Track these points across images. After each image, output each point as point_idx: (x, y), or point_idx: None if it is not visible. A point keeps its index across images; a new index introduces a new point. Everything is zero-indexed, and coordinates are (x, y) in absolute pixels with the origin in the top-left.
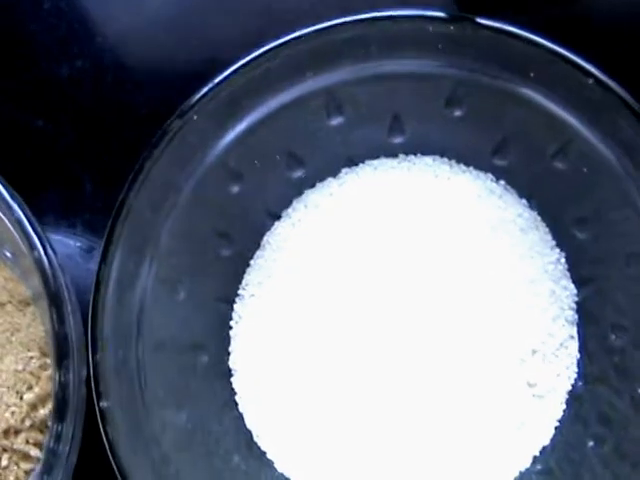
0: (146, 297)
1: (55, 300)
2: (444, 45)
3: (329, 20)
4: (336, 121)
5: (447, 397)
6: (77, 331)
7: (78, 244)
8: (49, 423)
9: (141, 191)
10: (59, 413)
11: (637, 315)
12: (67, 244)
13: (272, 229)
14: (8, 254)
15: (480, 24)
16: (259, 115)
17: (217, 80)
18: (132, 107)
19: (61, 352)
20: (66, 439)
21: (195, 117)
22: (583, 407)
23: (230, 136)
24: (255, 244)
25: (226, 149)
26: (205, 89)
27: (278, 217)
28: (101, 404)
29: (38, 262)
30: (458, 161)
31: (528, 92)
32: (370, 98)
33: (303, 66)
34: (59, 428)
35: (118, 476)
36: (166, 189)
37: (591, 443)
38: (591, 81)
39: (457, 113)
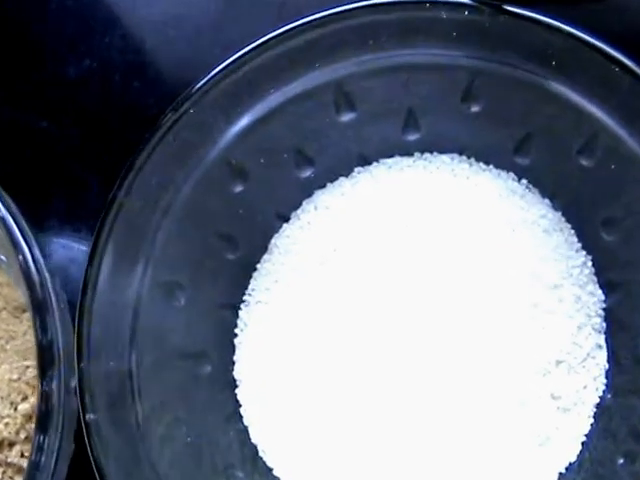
0: (141, 302)
1: (39, 306)
2: (459, 33)
3: (335, 7)
4: (347, 117)
5: (464, 411)
6: (66, 339)
7: (82, 248)
8: None
9: (133, 189)
10: (41, 424)
11: None
12: (71, 247)
13: (280, 231)
14: (3, 257)
15: (496, 9)
16: (263, 109)
17: (215, 71)
18: (140, 108)
19: (44, 360)
20: (50, 451)
21: (192, 110)
22: (612, 421)
23: (232, 131)
24: (262, 247)
25: (228, 145)
26: (202, 80)
27: (286, 219)
28: (87, 417)
29: (23, 266)
30: (477, 159)
31: (550, 83)
32: (382, 92)
33: (309, 56)
34: (41, 439)
35: None
36: (161, 187)
37: (621, 460)
38: (617, 69)
39: (475, 108)
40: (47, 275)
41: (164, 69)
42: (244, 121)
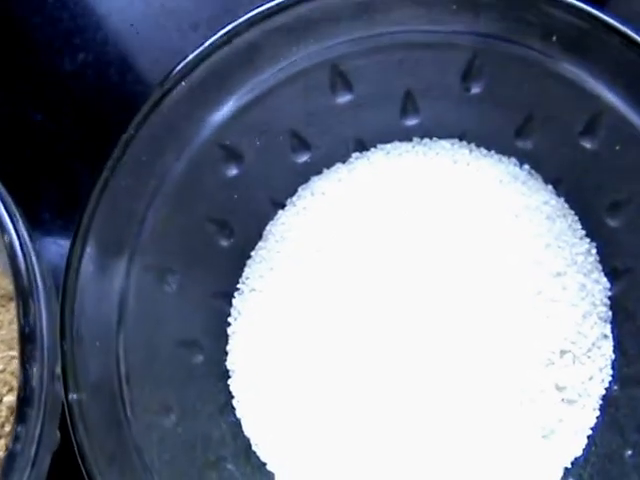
0: (130, 285)
1: (22, 289)
2: (458, 5)
3: None
4: (343, 98)
5: (464, 402)
6: (52, 326)
7: None
8: None
9: (119, 166)
10: (19, 410)
11: None
12: (60, 244)
13: (275, 218)
14: None
15: None
16: (256, 88)
17: (206, 44)
18: (135, 102)
19: (24, 344)
20: (29, 441)
21: (179, 89)
22: (619, 413)
23: (224, 110)
24: (256, 235)
25: (221, 125)
26: (193, 54)
27: (282, 205)
28: (69, 397)
29: (9, 247)
30: (478, 144)
31: (552, 60)
32: (379, 72)
33: (303, 32)
34: (19, 428)
35: None
36: (151, 165)
37: (629, 452)
38: (620, 41)
39: (475, 89)
40: (34, 259)
41: (160, 62)
42: (237, 100)
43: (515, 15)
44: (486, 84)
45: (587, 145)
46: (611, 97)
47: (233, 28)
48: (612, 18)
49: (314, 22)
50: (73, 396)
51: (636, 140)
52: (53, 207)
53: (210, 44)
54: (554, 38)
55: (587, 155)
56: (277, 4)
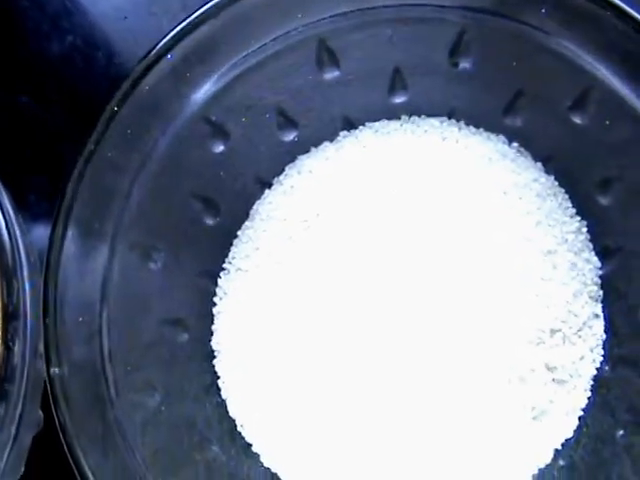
0: (114, 262)
1: (6, 267)
2: None
3: None
4: (330, 75)
5: (454, 383)
6: (34, 303)
7: None
8: None
9: (105, 137)
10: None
11: None
12: (47, 227)
13: (262, 197)
14: None
15: None
16: (242, 63)
17: (192, 17)
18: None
19: (7, 323)
20: (9, 419)
21: (162, 65)
22: (610, 393)
23: (210, 84)
24: (243, 214)
25: (206, 100)
26: (172, 33)
27: (269, 185)
28: (51, 371)
29: None
30: (467, 122)
31: (540, 33)
32: (367, 48)
33: (288, 8)
34: None
35: (70, 460)
36: (136, 138)
37: (620, 432)
38: (612, 14)
39: (464, 64)
40: (19, 235)
41: (148, 45)
42: (223, 75)
43: None
44: (475, 60)
45: (577, 120)
46: (603, 71)
47: (219, 2)
48: None
49: None
50: (55, 370)
51: (626, 114)
52: (39, 190)
53: (193, 19)
54: (543, 10)
55: (577, 131)
56: None
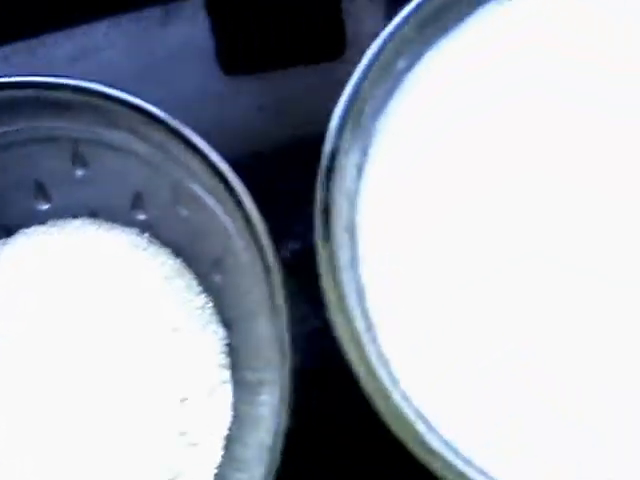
0: None
1: None
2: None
3: None
4: None
5: (91, 458)
6: None
7: None
8: None
9: None
10: None
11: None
12: None
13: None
14: None
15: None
16: None
17: None
18: None
19: None
20: None
21: None
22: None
23: None
24: None
25: None
26: None
27: None
28: None
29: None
30: (106, 219)
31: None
32: (13, 166)
33: None
34: None
35: None
36: None
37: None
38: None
39: (83, 172)
40: None
41: None
42: None
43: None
44: (93, 168)
45: (183, 212)
46: (176, 171)
47: None
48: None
49: None
50: None
51: (202, 206)
52: None
53: None
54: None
55: (184, 221)
56: None
